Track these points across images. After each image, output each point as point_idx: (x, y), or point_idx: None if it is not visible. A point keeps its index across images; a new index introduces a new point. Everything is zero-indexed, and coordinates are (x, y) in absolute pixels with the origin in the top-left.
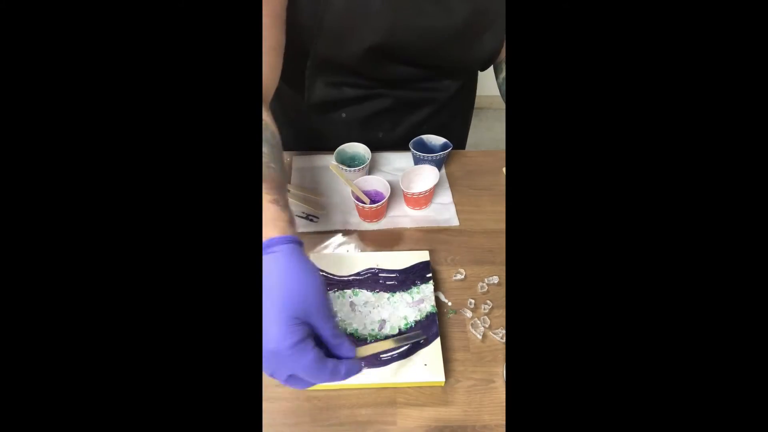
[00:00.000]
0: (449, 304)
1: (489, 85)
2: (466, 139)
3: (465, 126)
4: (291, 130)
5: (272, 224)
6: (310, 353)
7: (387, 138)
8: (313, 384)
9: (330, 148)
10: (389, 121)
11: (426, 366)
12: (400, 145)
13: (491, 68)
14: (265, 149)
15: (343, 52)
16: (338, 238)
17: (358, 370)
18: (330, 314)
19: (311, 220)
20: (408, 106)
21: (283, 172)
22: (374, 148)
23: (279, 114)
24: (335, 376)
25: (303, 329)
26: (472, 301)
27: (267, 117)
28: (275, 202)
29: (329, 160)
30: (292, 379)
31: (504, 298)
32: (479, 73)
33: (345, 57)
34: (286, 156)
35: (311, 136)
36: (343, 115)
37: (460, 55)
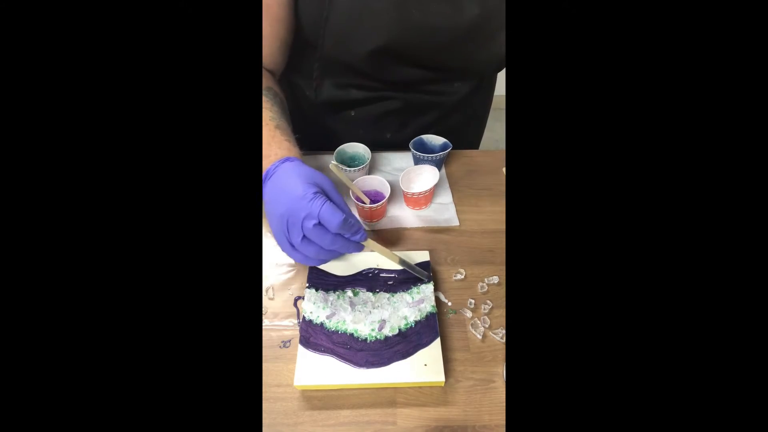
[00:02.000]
0: (449, 304)
1: None
2: (479, 144)
3: (479, 130)
4: (304, 123)
5: (286, 151)
6: (327, 202)
7: (395, 138)
8: (325, 251)
9: (338, 144)
10: (397, 122)
11: (426, 366)
12: (408, 146)
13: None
14: (274, 112)
15: (349, 53)
16: None
17: (360, 250)
18: (343, 202)
19: None
20: (417, 108)
21: (289, 121)
22: (382, 147)
23: (293, 106)
24: (344, 230)
25: (319, 190)
26: (472, 301)
27: (276, 86)
28: (288, 141)
29: (329, 160)
30: (305, 243)
31: (504, 298)
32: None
33: (350, 58)
34: None
35: (323, 132)
36: (353, 113)
37: (468, 56)
